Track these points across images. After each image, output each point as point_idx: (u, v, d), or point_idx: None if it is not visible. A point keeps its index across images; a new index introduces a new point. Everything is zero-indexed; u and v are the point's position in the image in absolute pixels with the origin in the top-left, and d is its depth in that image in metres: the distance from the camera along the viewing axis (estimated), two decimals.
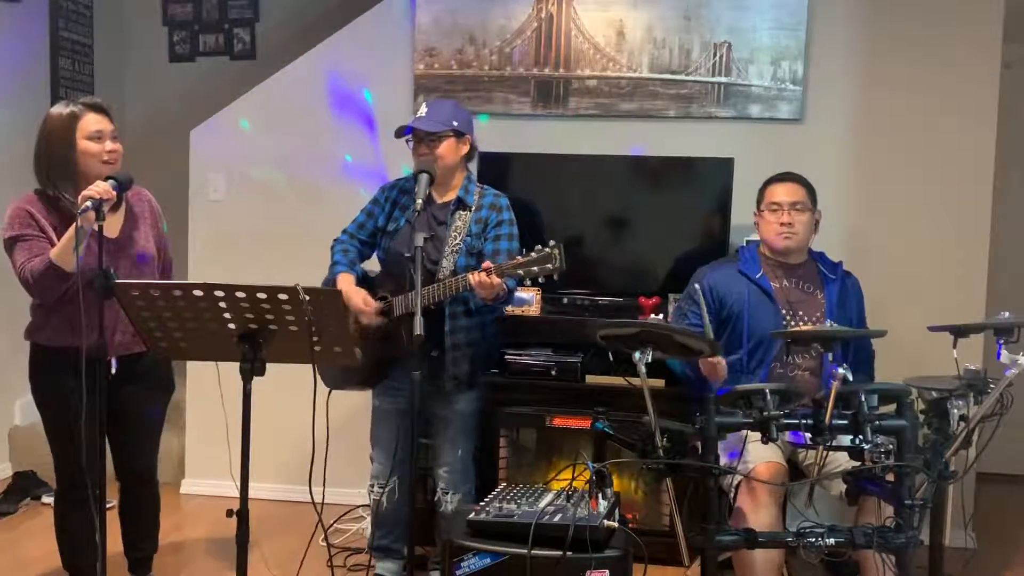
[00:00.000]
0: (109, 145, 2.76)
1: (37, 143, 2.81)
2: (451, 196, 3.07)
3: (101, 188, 2.55)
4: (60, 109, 2.79)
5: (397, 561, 3.30)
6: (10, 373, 4.43)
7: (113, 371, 2.79)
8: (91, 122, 2.75)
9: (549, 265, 2.70)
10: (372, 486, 3.24)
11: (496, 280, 2.76)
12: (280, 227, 4.14)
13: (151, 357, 2.75)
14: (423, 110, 3.05)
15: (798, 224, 3.07)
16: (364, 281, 3.17)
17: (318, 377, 3.11)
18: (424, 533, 3.32)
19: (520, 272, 2.73)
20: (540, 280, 2.74)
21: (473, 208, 3.06)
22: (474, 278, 2.78)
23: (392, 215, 3.14)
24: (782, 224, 3.07)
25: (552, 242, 2.72)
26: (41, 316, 2.84)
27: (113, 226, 2.83)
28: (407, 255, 2.76)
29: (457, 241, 3.02)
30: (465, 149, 3.07)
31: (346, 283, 3.07)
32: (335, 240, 3.24)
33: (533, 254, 2.73)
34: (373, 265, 3.28)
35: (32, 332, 2.87)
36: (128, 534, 3.07)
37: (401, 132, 3.05)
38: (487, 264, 2.79)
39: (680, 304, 3.25)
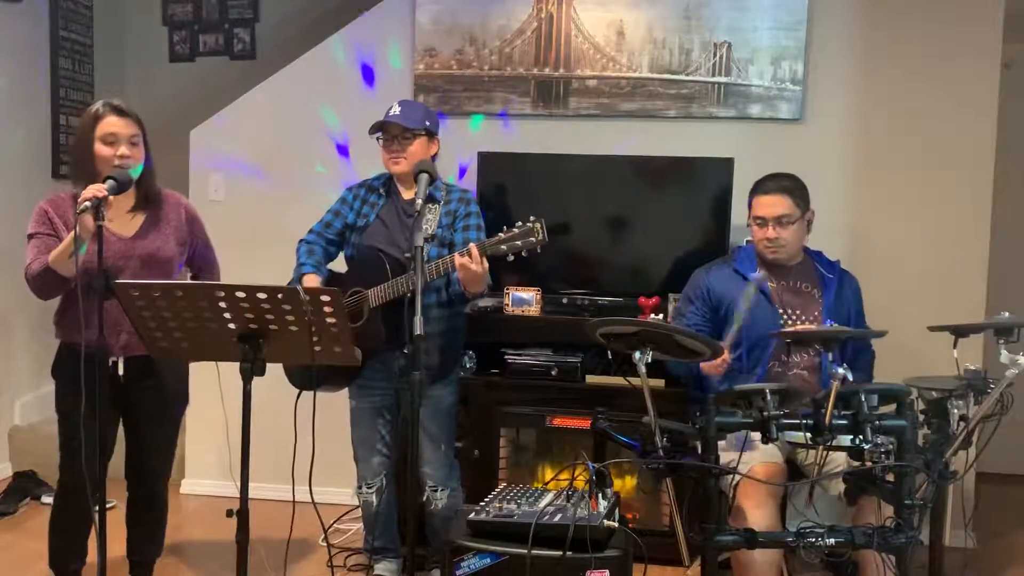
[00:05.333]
0: (122, 150, 2.71)
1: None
2: None
3: (96, 189, 2.53)
4: (90, 107, 2.77)
5: (395, 560, 3.30)
6: (10, 373, 4.44)
7: (121, 372, 2.82)
8: (107, 125, 2.71)
9: (532, 239, 2.73)
10: (360, 488, 3.24)
11: (484, 265, 2.78)
12: (280, 227, 4.14)
13: (164, 362, 2.77)
14: (396, 109, 3.09)
15: (784, 238, 3.05)
16: (333, 280, 3.19)
17: (288, 377, 3.14)
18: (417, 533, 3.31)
19: (503, 247, 2.76)
20: (524, 254, 2.76)
21: (442, 202, 3.11)
22: (459, 258, 2.80)
23: (361, 212, 3.18)
24: (768, 239, 3.07)
25: (532, 217, 2.75)
26: (60, 312, 2.87)
27: (130, 226, 2.83)
28: (408, 252, 2.76)
29: (429, 233, 3.04)
30: (434, 149, 3.14)
31: (313, 284, 3.09)
32: (300, 241, 3.25)
33: (515, 229, 2.77)
34: (339, 265, 3.29)
35: (56, 326, 2.89)
36: (132, 538, 3.07)
37: (375, 129, 3.10)
38: (472, 246, 2.80)
39: (679, 305, 3.25)
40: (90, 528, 2.89)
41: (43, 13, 4.61)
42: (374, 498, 3.21)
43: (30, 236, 2.78)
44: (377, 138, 3.12)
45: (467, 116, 4.03)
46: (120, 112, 2.74)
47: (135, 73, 5.24)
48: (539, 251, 2.77)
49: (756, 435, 2.47)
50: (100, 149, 2.71)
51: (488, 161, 3.85)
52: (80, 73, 4.88)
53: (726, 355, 2.84)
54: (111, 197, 2.54)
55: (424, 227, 3.03)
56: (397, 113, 3.07)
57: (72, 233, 2.53)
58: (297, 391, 2.89)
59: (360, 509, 3.35)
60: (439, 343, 3.09)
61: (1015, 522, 4.11)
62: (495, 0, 3.96)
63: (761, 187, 3.11)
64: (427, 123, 3.10)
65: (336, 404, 3.28)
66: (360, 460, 3.24)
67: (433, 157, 3.14)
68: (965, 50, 3.66)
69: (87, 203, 2.47)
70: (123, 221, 2.82)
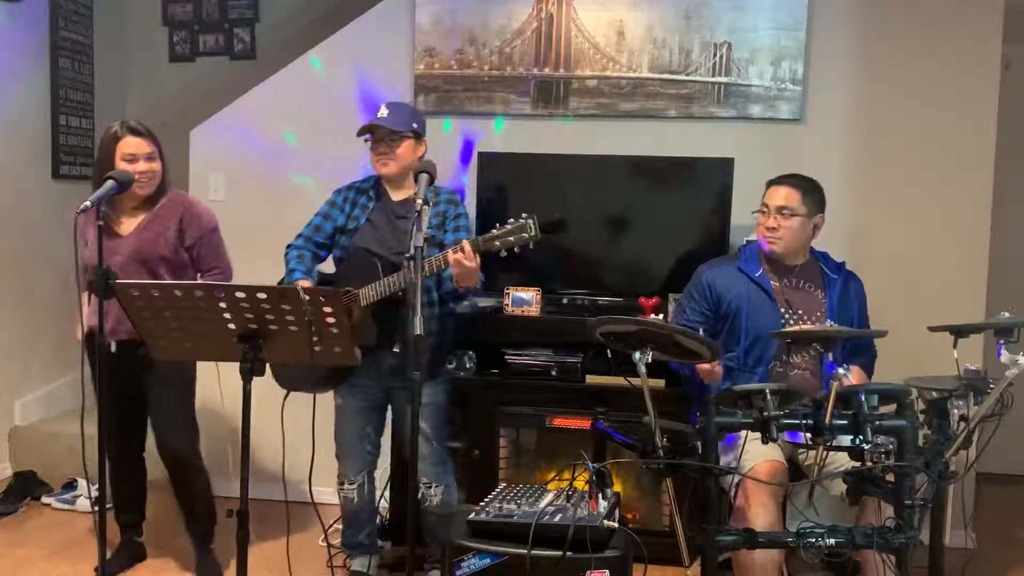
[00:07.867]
0: (141, 166, 3.01)
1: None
2: (407, 193, 3.13)
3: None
4: (110, 127, 3.03)
5: (372, 556, 3.33)
6: (10, 373, 4.44)
7: (114, 350, 3.04)
8: (126, 145, 3.00)
9: (524, 235, 2.76)
10: (342, 484, 3.26)
11: (476, 262, 2.80)
12: (280, 227, 4.12)
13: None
14: (384, 111, 3.12)
15: (782, 229, 3.05)
16: (322, 282, 3.21)
17: (275, 379, 3.17)
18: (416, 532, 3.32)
19: (497, 243, 2.79)
20: (516, 250, 2.79)
21: (431, 203, 3.10)
22: (452, 255, 2.81)
23: (352, 214, 3.20)
24: (767, 228, 3.07)
25: (524, 214, 2.78)
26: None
27: (129, 225, 3.07)
28: (400, 252, 2.77)
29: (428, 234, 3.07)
30: (422, 151, 3.16)
31: None
32: (288, 246, 3.27)
33: (508, 226, 2.79)
34: (326, 266, 3.31)
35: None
36: (183, 514, 3.31)
37: (364, 131, 3.13)
38: (465, 242, 2.81)
39: (680, 300, 3.25)
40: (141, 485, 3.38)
41: (43, 13, 4.61)
42: (355, 495, 3.23)
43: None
44: (365, 140, 3.14)
45: (475, 116, 4.02)
46: (136, 132, 3.02)
47: (135, 73, 5.23)
48: (532, 247, 2.79)
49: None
50: (122, 166, 2.98)
51: (488, 161, 3.85)
52: (80, 73, 4.88)
53: (716, 364, 2.85)
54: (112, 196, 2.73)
55: (414, 228, 3.05)
56: (385, 116, 3.10)
57: None
58: (284, 392, 2.93)
59: (340, 506, 3.36)
60: (429, 343, 3.08)
61: (1015, 522, 4.11)
62: (495, 0, 3.96)
63: (777, 179, 3.14)
64: (414, 125, 3.12)
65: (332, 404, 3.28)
66: (342, 458, 3.26)
67: (420, 159, 3.15)
68: (965, 50, 3.66)
69: (87, 202, 2.61)
70: (126, 221, 3.05)
